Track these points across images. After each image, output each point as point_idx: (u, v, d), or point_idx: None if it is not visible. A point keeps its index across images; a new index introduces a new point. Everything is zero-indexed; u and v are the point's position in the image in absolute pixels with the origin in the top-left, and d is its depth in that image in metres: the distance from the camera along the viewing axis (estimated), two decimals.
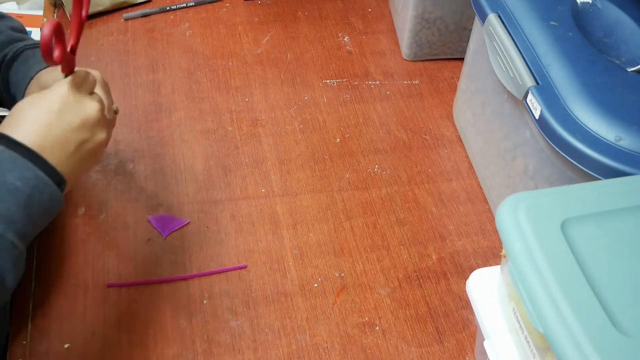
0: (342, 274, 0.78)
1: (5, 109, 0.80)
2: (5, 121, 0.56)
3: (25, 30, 0.78)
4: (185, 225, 0.81)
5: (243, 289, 0.76)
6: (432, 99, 0.99)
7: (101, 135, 0.60)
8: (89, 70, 0.64)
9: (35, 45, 0.73)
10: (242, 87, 0.99)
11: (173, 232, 0.80)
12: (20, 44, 0.72)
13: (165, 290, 0.75)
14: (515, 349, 0.56)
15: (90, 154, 0.59)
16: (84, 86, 0.60)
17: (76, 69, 0.62)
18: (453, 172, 0.89)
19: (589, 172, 0.59)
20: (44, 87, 0.63)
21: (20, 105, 0.57)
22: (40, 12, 1.11)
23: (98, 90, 0.63)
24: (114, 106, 0.68)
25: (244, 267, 0.77)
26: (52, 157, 0.55)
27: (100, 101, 0.60)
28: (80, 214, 0.81)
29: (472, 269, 0.75)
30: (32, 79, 0.68)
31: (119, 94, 0.94)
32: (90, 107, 0.58)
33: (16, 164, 0.52)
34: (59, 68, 0.60)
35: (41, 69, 0.69)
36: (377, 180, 0.88)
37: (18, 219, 0.51)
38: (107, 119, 0.61)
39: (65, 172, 0.56)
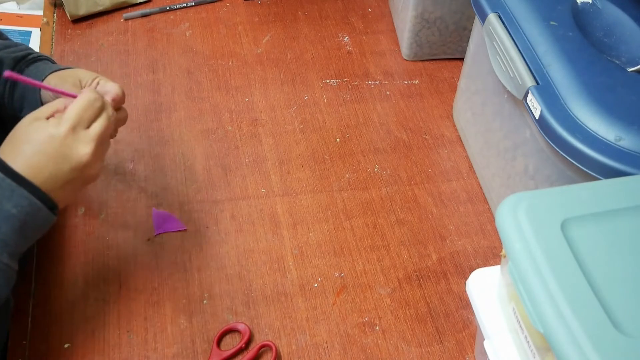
0: (342, 274, 0.78)
1: None
2: (4, 147, 0.59)
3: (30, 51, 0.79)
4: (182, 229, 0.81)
5: (243, 289, 0.76)
6: (432, 99, 0.99)
7: (91, 172, 0.62)
8: (107, 84, 0.66)
9: (41, 57, 0.75)
10: (242, 87, 0.99)
11: (169, 232, 0.80)
12: (31, 56, 0.74)
13: (165, 290, 0.75)
14: (515, 349, 0.56)
15: (82, 185, 0.62)
16: (84, 121, 0.60)
17: (89, 87, 0.64)
18: (453, 172, 0.90)
19: (589, 172, 0.59)
20: (62, 77, 0.68)
21: (18, 134, 0.59)
22: (40, 12, 1.11)
23: (102, 117, 0.62)
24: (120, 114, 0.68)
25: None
26: (46, 187, 0.58)
27: (96, 138, 0.61)
28: (80, 214, 0.81)
29: (472, 269, 0.75)
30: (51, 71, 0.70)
31: None
32: (83, 152, 0.60)
33: (14, 193, 0.56)
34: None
35: (49, 74, 0.71)
36: (377, 180, 0.88)
37: (12, 242, 0.57)
38: (100, 153, 0.62)
39: (57, 198, 0.60)
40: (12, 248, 0.57)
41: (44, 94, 0.70)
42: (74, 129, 0.59)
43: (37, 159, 0.58)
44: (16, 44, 0.77)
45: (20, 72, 0.72)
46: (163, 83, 0.99)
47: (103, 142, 0.62)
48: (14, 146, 0.59)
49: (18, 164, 0.57)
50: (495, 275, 0.60)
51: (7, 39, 0.79)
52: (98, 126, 0.61)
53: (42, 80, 0.69)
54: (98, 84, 0.68)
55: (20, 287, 0.74)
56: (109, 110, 0.63)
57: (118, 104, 0.68)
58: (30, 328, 0.71)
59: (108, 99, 0.65)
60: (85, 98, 0.61)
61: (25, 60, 0.74)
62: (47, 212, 0.59)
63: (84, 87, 0.68)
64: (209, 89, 0.99)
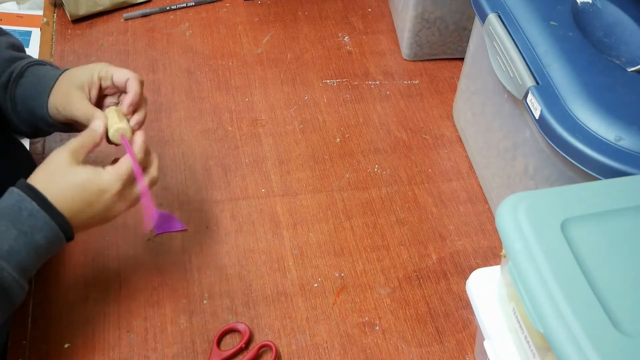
0: (342, 274, 0.78)
1: None
2: (43, 178, 0.61)
3: (23, 47, 0.78)
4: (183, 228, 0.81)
5: (243, 289, 0.76)
6: (432, 99, 0.99)
7: (115, 214, 0.64)
8: (120, 76, 0.68)
9: (39, 62, 0.74)
10: (242, 87, 0.99)
11: (169, 232, 0.80)
12: (24, 62, 0.73)
13: (165, 290, 0.75)
14: (515, 349, 0.56)
15: (104, 221, 0.64)
16: (131, 180, 0.64)
17: (141, 145, 0.66)
18: (453, 172, 0.89)
19: (589, 172, 0.59)
20: (73, 81, 0.69)
21: (62, 174, 0.61)
22: (40, 12, 1.11)
23: (145, 178, 0.65)
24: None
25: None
26: (73, 221, 0.61)
27: (135, 200, 0.65)
28: None
29: (472, 269, 0.75)
30: (57, 79, 0.70)
31: None
32: (121, 209, 0.64)
33: (46, 225, 0.59)
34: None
35: (65, 70, 0.71)
36: (377, 180, 0.88)
37: (32, 268, 0.60)
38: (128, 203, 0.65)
39: (77, 229, 0.62)
40: (29, 273, 0.60)
41: (53, 101, 0.70)
42: (123, 189, 0.63)
43: (80, 206, 0.61)
44: None
45: (19, 79, 0.72)
46: (163, 83, 0.99)
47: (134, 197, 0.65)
48: (54, 183, 0.60)
49: (57, 200, 0.59)
50: (495, 275, 0.60)
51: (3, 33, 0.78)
52: (139, 188, 0.65)
53: (54, 85, 0.70)
54: (112, 80, 0.69)
55: None
56: (153, 172, 0.66)
57: (137, 105, 0.70)
58: (30, 328, 0.71)
59: (126, 103, 0.68)
60: (129, 160, 0.64)
61: (18, 67, 0.73)
62: (65, 242, 0.62)
63: (91, 90, 0.69)
64: (209, 89, 0.99)
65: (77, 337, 0.71)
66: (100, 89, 0.69)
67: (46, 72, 0.72)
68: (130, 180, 0.64)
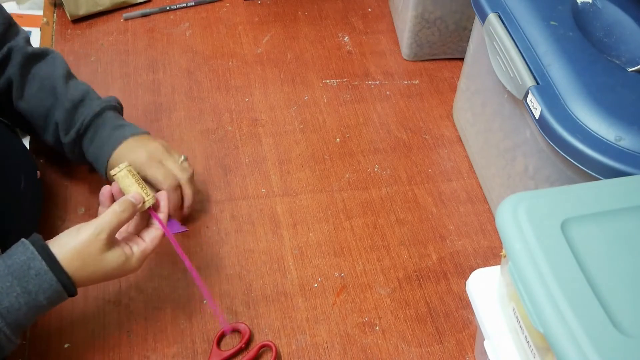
0: (342, 274, 0.78)
1: None
2: (73, 253, 0.60)
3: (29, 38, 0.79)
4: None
5: (243, 289, 0.76)
6: (432, 99, 0.99)
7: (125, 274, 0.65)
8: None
9: (100, 111, 0.77)
10: (242, 87, 0.99)
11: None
12: (88, 115, 0.76)
13: (165, 290, 0.75)
14: (515, 349, 0.56)
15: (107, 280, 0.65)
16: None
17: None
18: (453, 172, 0.89)
19: (589, 172, 0.59)
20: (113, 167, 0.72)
21: (90, 253, 0.60)
22: (40, 12, 1.11)
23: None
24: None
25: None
26: (81, 283, 0.61)
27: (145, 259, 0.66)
28: (80, 214, 0.81)
29: (472, 269, 0.75)
30: (109, 158, 0.75)
31: (119, 94, 0.94)
32: (134, 269, 0.64)
33: (51, 287, 0.58)
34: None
35: (111, 153, 0.75)
36: (377, 180, 0.88)
37: (28, 323, 0.60)
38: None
39: (80, 287, 0.62)
40: (25, 328, 0.60)
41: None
42: (143, 262, 0.65)
43: (95, 277, 0.61)
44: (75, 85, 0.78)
45: (85, 133, 0.76)
46: (163, 83, 0.99)
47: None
48: (84, 266, 0.60)
49: (64, 259, 0.59)
50: (495, 275, 0.60)
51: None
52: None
53: (117, 146, 0.75)
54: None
55: None
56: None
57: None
58: (30, 328, 0.71)
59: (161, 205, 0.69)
60: (159, 235, 0.66)
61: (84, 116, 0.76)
62: (65, 299, 0.61)
63: (165, 189, 0.73)
64: (209, 89, 0.99)
65: (77, 337, 0.71)
66: None
67: (105, 142, 0.75)
68: (146, 254, 0.65)
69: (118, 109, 0.79)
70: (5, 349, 0.58)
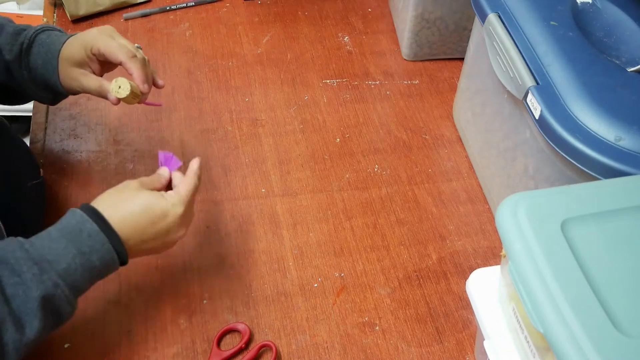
0: (342, 274, 0.78)
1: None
2: (106, 200, 0.62)
3: (13, 22, 0.79)
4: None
5: (243, 289, 0.76)
6: (432, 99, 0.99)
7: (175, 240, 0.66)
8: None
9: (44, 28, 0.75)
10: (242, 87, 0.99)
11: None
12: (30, 31, 0.74)
13: (165, 290, 0.75)
14: (515, 349, 0.56)
15: (162, 247, 0.66)
16: (191, 204, 0.66)
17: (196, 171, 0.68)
18: (453, 172, 0.89)
19: (589, 172, 0.59)
20: (70, 61, 0.71)
21: (130, 197, 0.63)
22: (40, 12, 1.12)
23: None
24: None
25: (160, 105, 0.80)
26: (130, 245, 0.62)
27: (191, 221, 0.67)
28: None
29: (472, 269, 0.75)
30: (58, 57, 0.72)
31: None
32: (180, 234, 0.65)
33: (103, 247, 0.60)
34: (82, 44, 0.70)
35: (60, 47, 0.72)
36: (377, 180, 0.88)
37: (84, 288, 0.61)
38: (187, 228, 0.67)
39: (133, 254, 0.63)
40: (81, 293, 0.61)
41: (62, 78, 0.72)
42: (186, 212, 0.65)
43: (141, 227, 0.62)
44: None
45: (29, 49, 0.73)
46: None
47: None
48: (118, 206, 0.62)
49: (116, 219, 0.61)
50: (495, 275, 0.60)
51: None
52: (194, 214, 0.67)
53: (57, 66, 0.72)
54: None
55: None
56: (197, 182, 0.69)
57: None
58: None
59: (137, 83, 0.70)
60: (194, 182, 0.66)
61: (26, 36, 0.74)
62: (118, 266, 0.62)
63: (91, 65, 0.72)
64: (209, 89, 0.99)
65: (77, 337, 0.71)
66: (101, 60, 0.71)
67: (52, 43, 0.73)
68: (191, 203, 0.66)
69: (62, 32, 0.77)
70: (65, 314, 0.59)
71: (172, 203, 0.64)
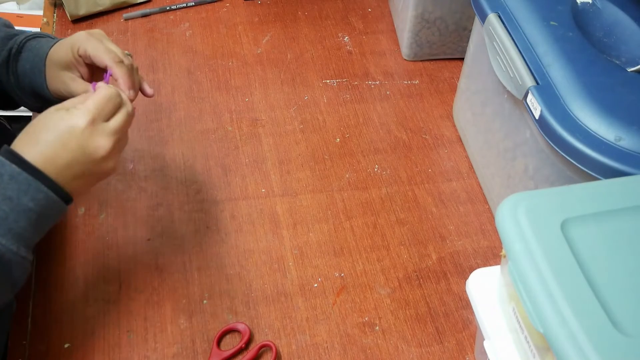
0: (342, 274, 0.78)
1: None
2: (22, 136, 0.59)
3: (12, 25, 0.79)
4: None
5: (243, 289, 0.76)
6: (432, 99, 1.00)
7: (108, 166, 0.62)
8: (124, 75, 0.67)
9: (36, 35, 0.74)
10: (242, 87, 0.99)
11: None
12: (21, 37, 0.74)
13: (165, 290, 0.75)
14: (515, 349, 0.56)
15: (97, 179, 0.63)
16: (104, 115, 0.61)
17: (104, 82, 0.64)
18: (453, 172, 0.89)
19: (589, 172, 0.59)
20: (57, 63, 0.69)
21: (38, 124, 0.59)
22: (40, 12, 1.12)
23: (121, 112, 0.63)
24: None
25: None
26: (61, 178, 0.58)
27: (114, 132, 0.61)
28: (80, 214, 0.81)
29: (472, 269, 0.75)
30: (45, 59, 0.71)
31: None
32: (101, 145, 0.60)
33: (30, 187, 0.56)
34: (67, 45, 0.68)
35: (48, 51, 0.71)
36: (377, 180, 0.88)
37: (29, 235, 0.58)
38: (117, 148, 0.62)
39: (71, 189, 0.60)
40: (29, 241, 0.58)
41: (50, 83, 0.71)
42: (94, 121, 0.59)
43: (54, 149, 0.58)
44: None
45: (18, 54, 0.72)
46: (163, 83, 0.99)
47: (121, 137, 0.62)
48: (31, 136, 0.59)
49: (34, 154, 0.57)
50: (495, 275, 0.60)
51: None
52: (118, 120, 0.62)
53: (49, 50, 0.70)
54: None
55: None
56: (128, 107, 0.64)
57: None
58: (30, 328, 0.71)
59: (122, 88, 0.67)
60: (105, 92, 0.61)
61: (17, 42, 0.73)
62: (62, 205, 0.59)
63: (78, 68, 0.69)
64: (209, 89, 0.99)
65: (77, 337, 0.71)
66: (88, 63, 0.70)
67: (41, 47, 0.72)
68: (98, 111, 0.60)
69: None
70: (14, 265, 0.56)
71: (75, 116, 0.59)
